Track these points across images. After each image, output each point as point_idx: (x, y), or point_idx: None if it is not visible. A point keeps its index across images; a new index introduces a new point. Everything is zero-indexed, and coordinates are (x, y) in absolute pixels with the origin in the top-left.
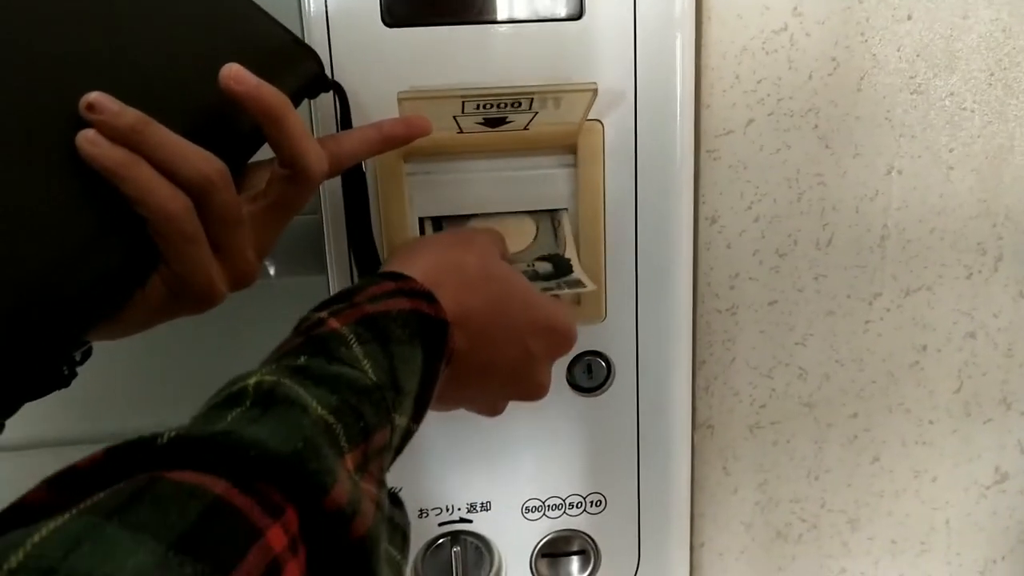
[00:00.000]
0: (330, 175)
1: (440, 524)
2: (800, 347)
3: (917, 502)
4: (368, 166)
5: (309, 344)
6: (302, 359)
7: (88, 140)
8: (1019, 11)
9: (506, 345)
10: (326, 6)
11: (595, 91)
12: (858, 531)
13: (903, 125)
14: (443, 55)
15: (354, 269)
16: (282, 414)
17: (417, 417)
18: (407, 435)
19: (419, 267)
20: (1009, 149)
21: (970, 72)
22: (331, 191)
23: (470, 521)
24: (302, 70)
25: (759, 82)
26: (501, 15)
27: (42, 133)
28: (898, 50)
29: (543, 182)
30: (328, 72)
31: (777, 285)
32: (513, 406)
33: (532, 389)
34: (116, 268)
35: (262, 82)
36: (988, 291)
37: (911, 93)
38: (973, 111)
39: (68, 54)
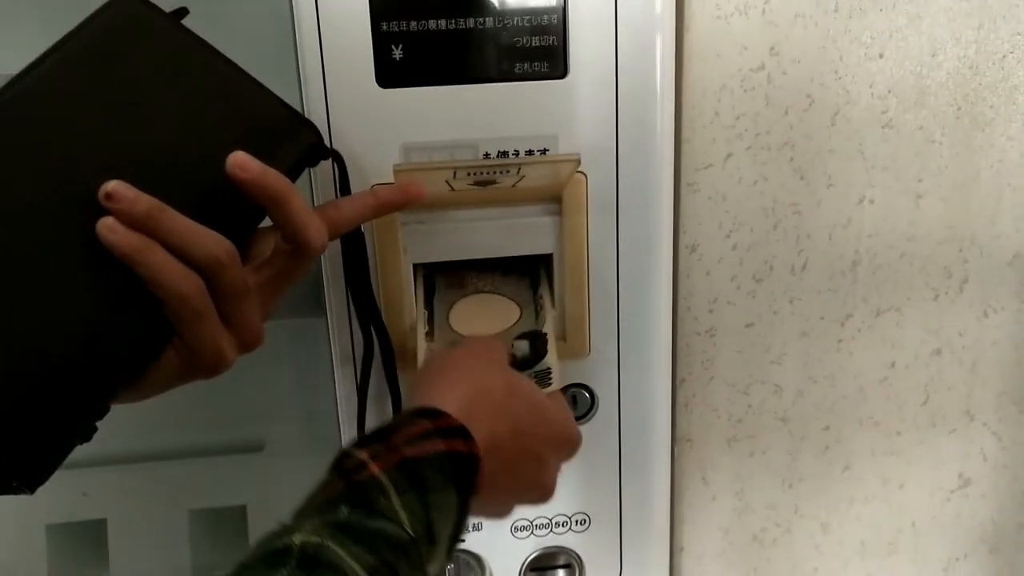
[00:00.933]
0: (330, 239)
1: None
2: (775, 366)
3: (885, 507)
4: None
5: (351, 493)
6: (344, 512)
7: (107, 227)
8: (985, 49)
9: (526, 461)
10: (323, 68)
11: (577, 161)
12: (829, 534)
13: (875, 157)
14: (435, 113)
15: (352, 316)
16: None
17: (450, 553)
18: (443, 567)
19: (453, 399)
20: (975, 179)
21: (939, 107)
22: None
23: (462, 540)
24: (302, 142)
25: (737, 118)
26: (490, 74)
27: (65, 222)
28: (870, 87)
29: (530, 230)
30: (326, 128)
31: (754, 308)
32: None
33: (543, 493)
34: (134, 344)
35: (266, 168)
36: (954, 311)
37: (882, 127)
38: (941, 143)
39: (86, 147)
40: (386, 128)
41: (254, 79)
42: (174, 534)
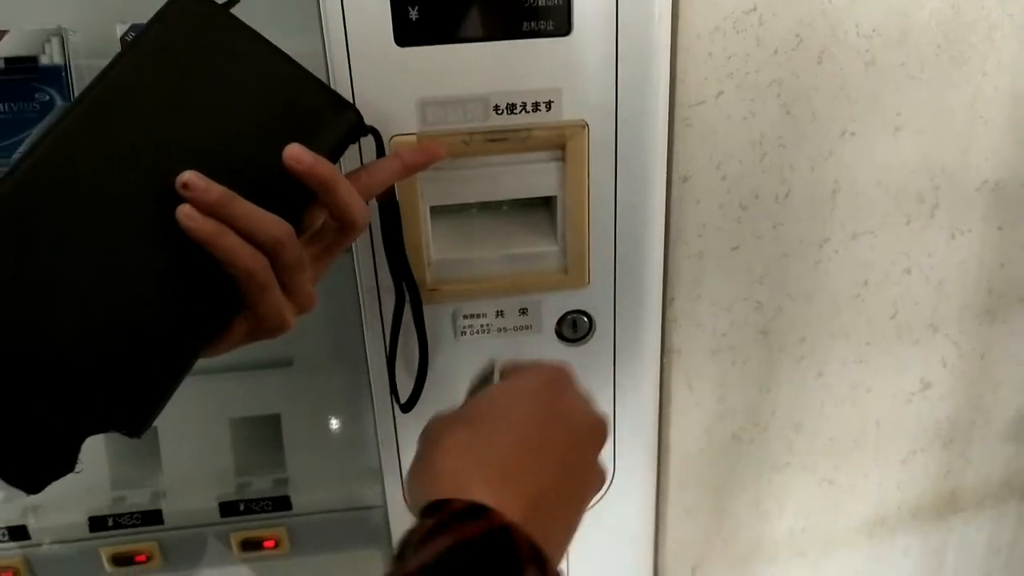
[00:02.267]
0: (366, 199)
1: None
2: (757, 284)
3: (853, 409)
4: None
5: None
6: None
7: (185, 215)
8: None
9: (575, 479)
10: (345, 29)
11: (584, 126)
12: (801, 433)
13: (858, 93)
14: (449, 69)
15: (375, 253)
16: None
17: None
18: None
19: (476, 485)
20: (951, 113)
21: (920, 45)
22: None
23: None
24: (345, 122)
25: (729, 58)
26: (499, 33)
27: (149, 209)
28: (856, 26)
29: (535, 175)
30: (348, 84)
31: (739, 233)
32: (502, 345)
33: (600, 484)
34: (211, 312)
35: (317, 158)
36: (924, 235)
37: (865, 64)
38: (920, 79)
39: (161, 140)
40: (404, 84)
41: (299, 65)
42: (217, 439)
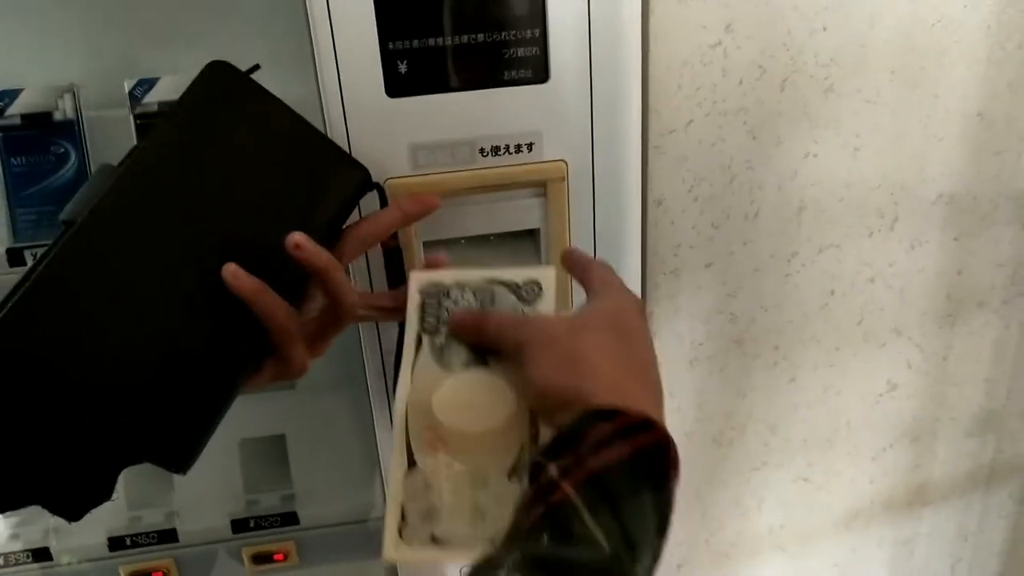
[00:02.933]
0: (371, 246)
1: None
2: (731, 298)
3: (824, 410)
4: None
5: (548, 519)
6: (544, 543)
7: (230, 273)
8: (916, 18)
9: (654, 364)
10: (339, 82)
11: (563, 166)
12: (777, 434)
13: (818, 117)
14: (437, 117)
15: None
16: None
17: (663, 536)
18: (655, 561)
19: (630, 394)
20: (906, 133)
21: (875, 71)
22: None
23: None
24: (355, 180)
25: (697, 89)
26: (483, 82)
27: (193, 265)
28: (815, 56)
29: (520, 210)
30: (344, 132)
31: (712, 251)
32: None
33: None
34: (248, 357)
35: (318, 249)
36: (886, 245)
37: (825, 91)
38: (876, 103)
39: (199, 203)
40: (396, 131)
41: (314, 127)
42: (228, 459)
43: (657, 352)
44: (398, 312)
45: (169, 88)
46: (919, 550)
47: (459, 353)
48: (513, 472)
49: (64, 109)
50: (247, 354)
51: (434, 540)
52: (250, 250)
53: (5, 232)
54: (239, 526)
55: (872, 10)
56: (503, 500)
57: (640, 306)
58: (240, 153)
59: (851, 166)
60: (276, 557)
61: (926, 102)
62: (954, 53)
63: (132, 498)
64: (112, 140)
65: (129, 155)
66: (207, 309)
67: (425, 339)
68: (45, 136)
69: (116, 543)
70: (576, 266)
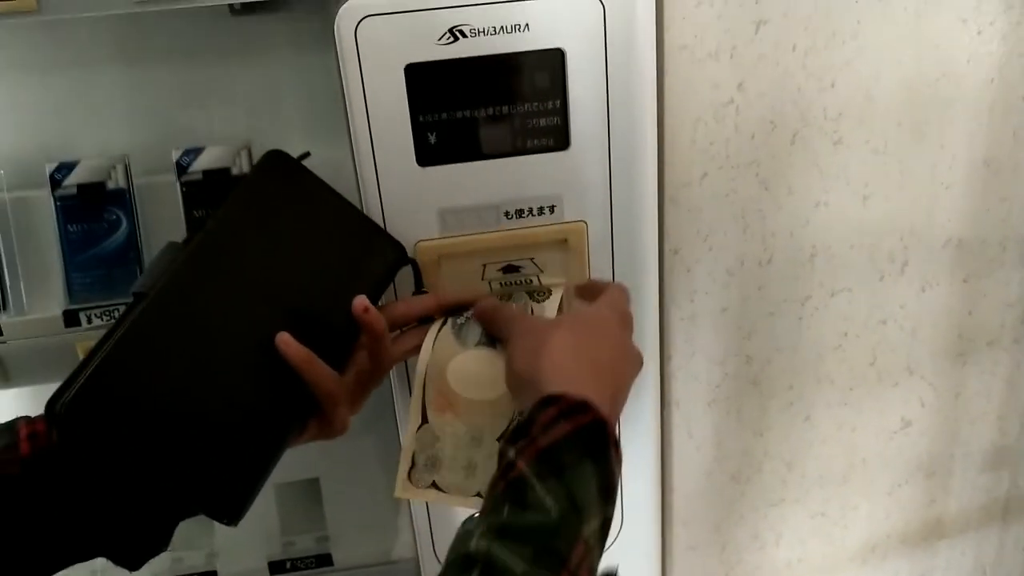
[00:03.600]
0: (403, 325)
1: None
2: (746, 340)
3: (839, 447)
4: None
5: (508, 492)
6: (505, 511)
7: (283, 341)
8: (921, 72)
9: (623, 364)
10: (373, 152)
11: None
12: (793, 471)
13: (828, 167)
14: (464, 184)
15: None
16: None
17: (608, 502)
18: (605, 524)
19: (578, 384)
20: (914, 181)
21: (883, 123)
22: None
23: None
24: (393, 256)
25: (711, 143)
26: (507, 150)
27: (255, 339)
28: (824, 110)
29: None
30: (377, 199)
31: (727, 296)
32: None
33: (639, 364)
34: (295, 417)
35: (379, 315)
36: (897, 288)
37: (834, 144)
38: (885, 153)
39: (257, 278)
40: (425, 197)
41: (356, 208)
42: (265, 502)
43: (676, 394)
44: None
45: (213, 157)
46: None
47: (474, 334)
48: (503, 437)
49: (116, 178)
50: (295, 416)
51: (435, 486)
52: (300, 320)
53: (62, 295)
54: (276, 567)
55: (878, 68)
56: (492, 459)
57: (623, 319)
58: (292, 232)
59: (861, 213)
60: None
61: (933, 151)
62: (958, 105)
63: (174, 540)
64: (161, 205)
65: (195, 233)
66: (262, 375)
67: (449, 319)
68: (99, 204)
69: None
70: (589, 294)
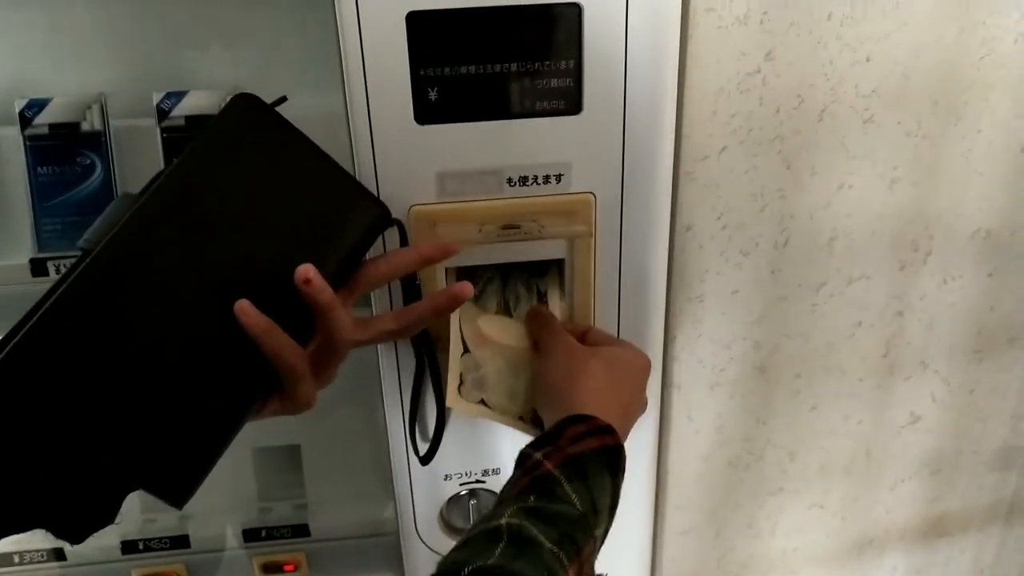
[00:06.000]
0: (385, 283)
1: (461, 484)
2: (755, 325)
3: (845, 438)
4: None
5: (535, 485)
6: (532, 499)
7: (241, 310)
8: (964, 51)
9: (636, 407)
10: (368, 108)
11: (591, 201)
12: (795, 460)
13: (856, 148)
14: (465, 145)
15: None
16: (529, 552)
17: (611, 516)
18: (605, 533)
19: (591, 402)
20: (946, 166)
21: (918, 103)
22: None
23: (483, 482)
24: (374, 215)
25: (732, 116)
26: (514, 111)
27: (206, 299)
28: (856, 86)
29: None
30: (371, 158)
31: (739, 278)
32: None
33: (644, 408)
34: (255, 392)
35: (324, 285)
36: (918, 279)
37: (864, 122)
38: (917, 135)
39: (217, 236)
40: (423, 158)
41: (335, 163)
42: (242, 466)
43: (679, 376)
44: (401, 333)
45: (197, 102)
46: None
47: (492, 303)
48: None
49: (92, 120)
50: (253, 391)
51: (483, 403)
52: (264, 284)
53: (30, 242)
54: (251, 535)
55: (918, 43)
56: (531, 390)
57: (649, 365)
58: (260, 187)
59: (886, 198)
60: (286, 568)
61: (969, 136)
62: (1001, 88)
63: (146, 502)
64: (139, 151)
65: (149, 184)
66: (217, 344)
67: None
68: (72, 146)
69: (129, 547)
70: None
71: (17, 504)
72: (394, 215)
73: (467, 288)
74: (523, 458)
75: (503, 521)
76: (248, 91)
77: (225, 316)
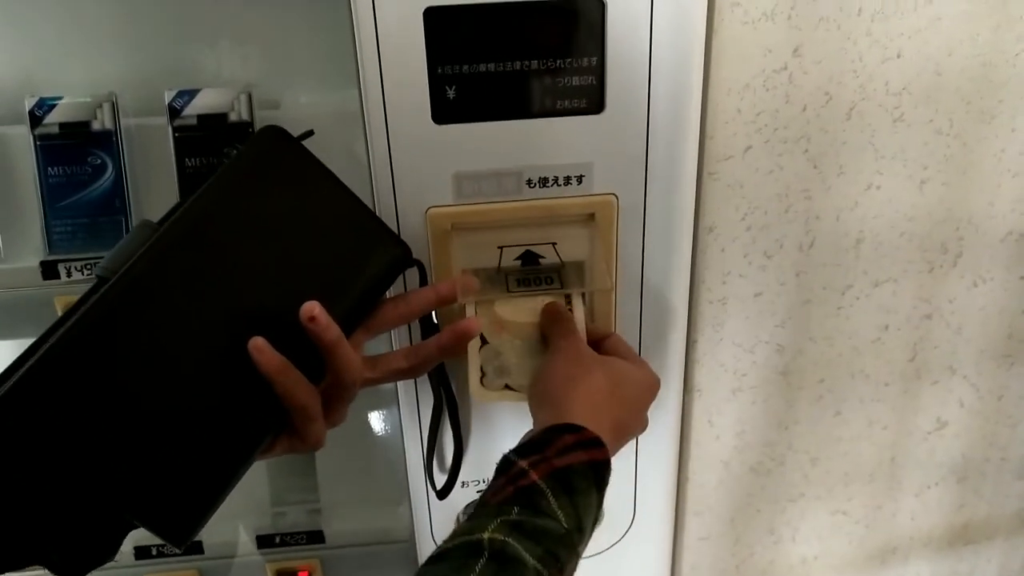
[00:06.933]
0: (402, 324)
1: (478, 491)
2: (779, 328)
3: (869, 445)
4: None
5: (518, 498)
6: (515, 511)
7: (256, 347)
8: (999, 48)
9: (634, 423)
10: (384, 106)
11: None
12: (817, 467)
13: (885, 147)
14: (484, 145)
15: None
16: (511, 571)
17: (590, 534)
18: (582, 551)
19: (581, 413)
20: (978, 166)
21: (950, 101)
22: None
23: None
24: (394, 255)
25: (758, 114)
26: (533, 111)
27: (219, 336)
28: (886, 84)
29: (565, 242)
30: (387, 158)
31: (763, 280)
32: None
33: (643, 428)
34: (263, 430)
35: (331, 323)
36: (946, 282)
37: (894, 121)
38: (949, 134)
39: (237, 271)
40: (440, 158)
41: (359, 200)
42: (254, 471)
43: (700, 380)
44: (413, 371)
45: (209, 100)
46: None
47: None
48: None
49: (103, 119)
50: (263, 430)
51: (507, 388)
52: (278, 321)
53: (40, 244)
54: (264, 541)
55: (951, 38)
56: None
57: (656, 387)
58: (280, 222)
59: (916, 199)
60: (300, 574)
61: (1002, 136)
62: None
63: None
64: (150, 151)
65: (170, 213)
66: (229, 381)
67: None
68: (82, 146)
69: (142, 552)
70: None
71: (16, 539)
72: (410, 217)
73: (472, 325)
74: (507, 464)
75: (485, 536)
76: (273, 94)
77: (238, 352)
